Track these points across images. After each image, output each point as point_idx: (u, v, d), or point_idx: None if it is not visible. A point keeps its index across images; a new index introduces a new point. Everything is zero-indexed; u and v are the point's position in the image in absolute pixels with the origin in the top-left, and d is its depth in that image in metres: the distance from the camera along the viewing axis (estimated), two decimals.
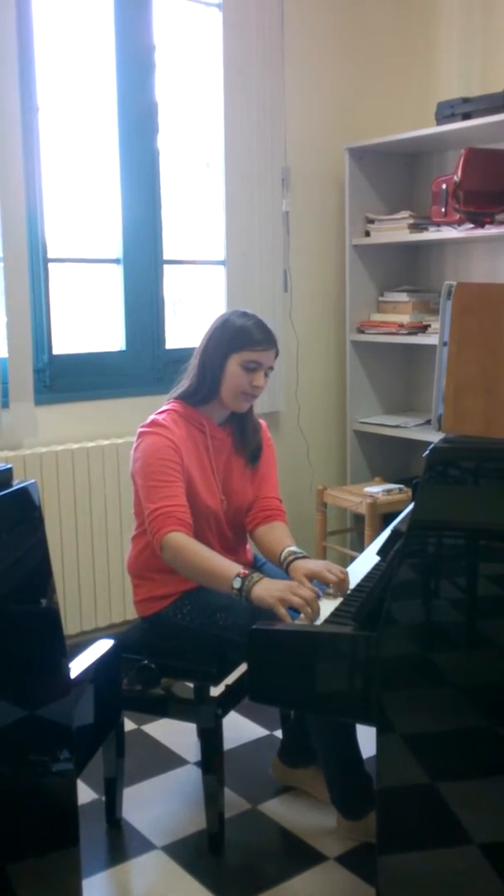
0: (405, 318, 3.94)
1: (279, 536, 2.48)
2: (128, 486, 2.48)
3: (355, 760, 2.37)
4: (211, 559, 2.25)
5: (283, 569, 2.38)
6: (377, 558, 2.28)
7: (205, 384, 2.43)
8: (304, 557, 2.35)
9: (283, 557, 2.38)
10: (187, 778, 2.71)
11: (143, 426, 2.41)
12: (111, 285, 3.71)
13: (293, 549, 2.39)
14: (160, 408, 2.48)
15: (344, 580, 2.20)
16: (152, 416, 2.43)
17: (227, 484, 2.51)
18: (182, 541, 2.26)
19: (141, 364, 3.75)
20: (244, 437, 2.54)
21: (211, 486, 2.46)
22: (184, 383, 2.49)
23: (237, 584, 2.17)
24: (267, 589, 2.13)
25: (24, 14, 3.23)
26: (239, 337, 2.39)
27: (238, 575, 2.18)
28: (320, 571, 2.23)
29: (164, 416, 2.42)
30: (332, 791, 2.41)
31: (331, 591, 2.21)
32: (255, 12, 3.73)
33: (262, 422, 2.64)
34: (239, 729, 2.96)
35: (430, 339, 3.81)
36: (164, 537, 2.26)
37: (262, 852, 2.38)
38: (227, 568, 2.21)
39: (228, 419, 2.54)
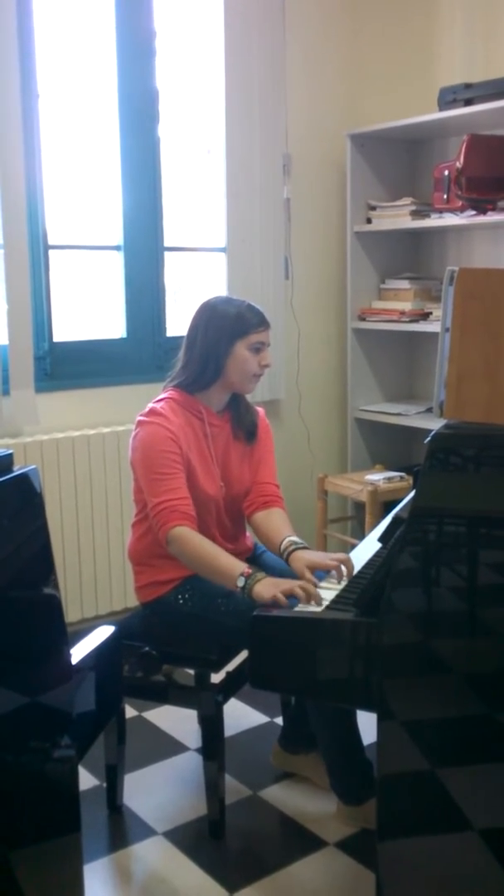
0: (407, 306, 3.93)
1: (278, 525, 2.49)
2: (128, 474, 2.49)
3: (355, 746, 2.37)
4: (217, 556, 2.29)
5: (282, 559, 2.39)
6: (378, 545, 2.28)
7: (206, 372, 2.45)
8: (303, 548, 2.37)
9: (282, 548, 2.40)
10: (188, 764, 2.72)
11: (140, 415, 2.43)
12: (112, 272, 3.70)
13: (293, 538, 2.41)
14: (157, 396, 2.49)
15: (346, 561, 2.23)
16: (150, 405, 2.44)
17: (225, 470, 2.52)
18: (188, 535, 2.30)
19: (141, 351, 3.74)
20: (239, 416, 2.57)
21: (210, 473, 2.47)
22: (180, 374, 2.50)
23: (241, 582, 2.21)
24: (266, 586, 2.18)
25: (24, 1, 3.21)
26: (240, 323, 2.43)
27: (242, 574, 2.22)
28: (321, 561, 2.26)
29: (161, 404, 2.43)
30: (331, 777, 2.42)
31: (334, 577, 2.22)
32: None
33: (260, 409, 2.66)
34: (239, 715, 2.97)
35: (432, 326, 3.80)
36: (169, 532, 2.30)
37: (263, 838, 2.39)
38: (233, 566, 2.25)
39: (226, 406, 2.55)
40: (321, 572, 2.26)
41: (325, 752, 2.41)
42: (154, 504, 2.33)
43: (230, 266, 3.83)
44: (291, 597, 2.13)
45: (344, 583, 2.20)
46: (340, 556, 2.27)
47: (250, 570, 2.23)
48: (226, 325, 2.43)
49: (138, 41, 3.59)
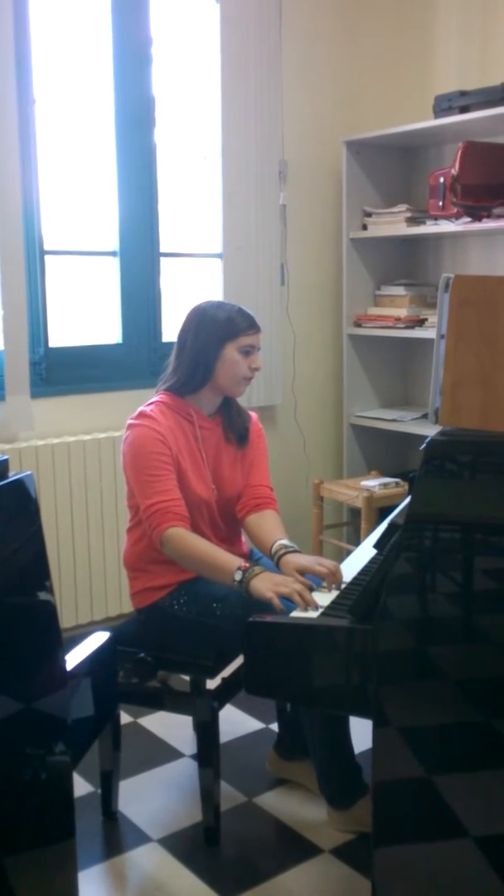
0: (402, 312, 3.93)
1: (270, 528, 2.50)
2: (123, 480, 2.48)
3: (344, 749, 2.37)
4: (212, 552, 2.30)
5: (273, 562, 2.39)
6: (373, 552, 2.28)
7: (196, 375, 2.46)
8: (294, 551, 2.37)
9: (273, 551, 2.40)
10: (183, 771, 2.72)
11: (131, 418, 2.44)
12: (108, 278, 3.71)
13: (284, 542, 2.41)
14: (149, 400, 2.49)
15: (335, 572, 2.22)
16: (139, 409, 2.45)
17: (217, 473, 2.52)
18: (182, 535, 2.30)
19: (137, 357, 3.75)
20: (231, 419, 2.57)
21: (201, 475, 2.47)
22: (170, 377, 2.50)
23: (238, 576, 2.22)
24: (264, 581, 2.18)
25: (21, 6, 3.22)
26: (230, 326, 2.44)
27: (239, 567, 2.22)
28: (311, 566, 2.26)
29: (150, 407, 2.45)
30: (320, 780, 2.42)
31: (324, 584, 2.22)
32: (253, 5, 3.72)
33: (254, 414, 2.66)
34: (235, 722, 2.97)
35: (427, 332, 3.81)
36: (163, 533, 2.30)
37: (258, 845, 2.39)
38: (229, 561, 2.26)
39: (218, 410, 2.55)
40: (316, 579, 2.26)
41: (314, 754, 2.41)
42: (146, 506, 2.33)
43: (226, 272, 3.83)
44: (288, 600, 2.13)
45: (336, 591, 2.20)
46: (330, 563, 2.27)
47: (247, 565, 2.24)
48: (216, 327, 2.44)
49: (135, 47, 3.60)
